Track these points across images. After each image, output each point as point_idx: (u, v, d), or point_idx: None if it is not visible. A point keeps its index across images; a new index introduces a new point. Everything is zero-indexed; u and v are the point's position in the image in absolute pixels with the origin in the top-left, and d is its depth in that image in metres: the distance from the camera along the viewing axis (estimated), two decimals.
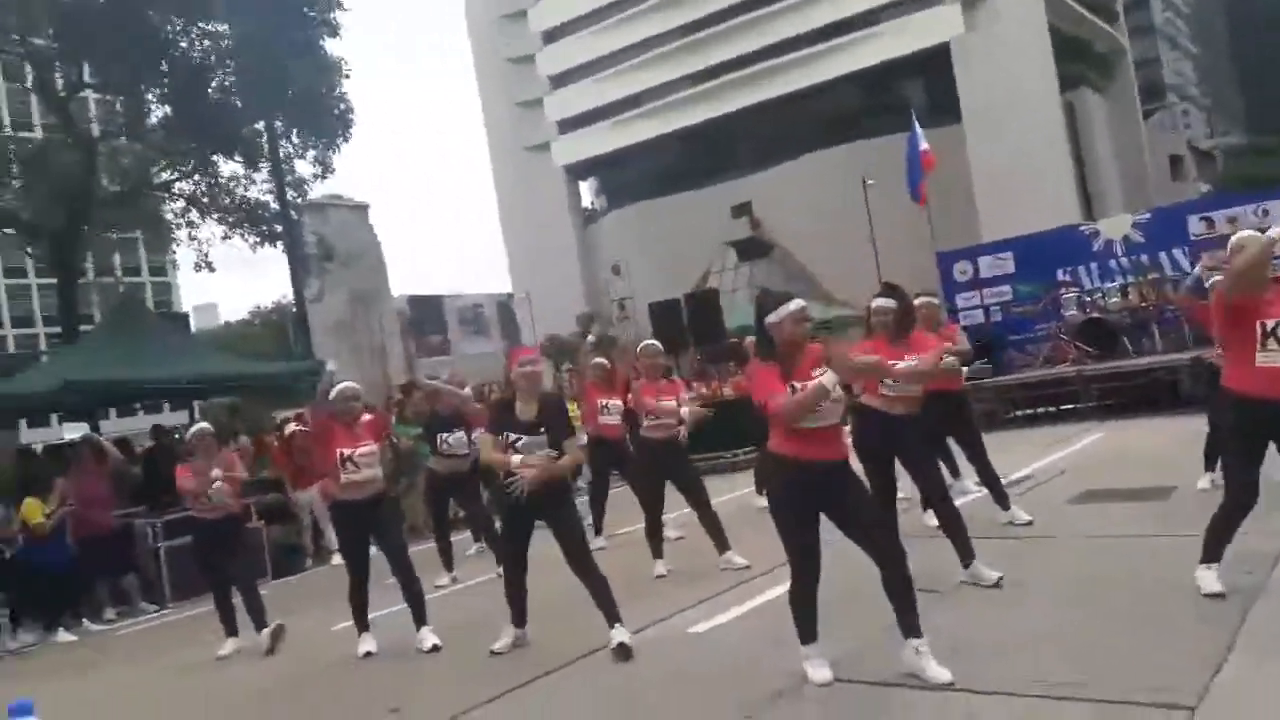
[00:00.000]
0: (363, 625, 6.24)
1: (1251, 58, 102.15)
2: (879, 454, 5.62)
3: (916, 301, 6.55)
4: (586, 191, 67.59)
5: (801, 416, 4.09)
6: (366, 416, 6.41)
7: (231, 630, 7.06)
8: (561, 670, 5.16)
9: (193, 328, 26.18)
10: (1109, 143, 51.53)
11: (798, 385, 4.11)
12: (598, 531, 8.81)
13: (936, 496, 5.83)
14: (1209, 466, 7.30)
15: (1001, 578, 5.40)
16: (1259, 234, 4.52)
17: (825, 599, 4.32)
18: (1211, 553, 4.80)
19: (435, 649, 5.89)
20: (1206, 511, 6.68)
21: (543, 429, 5.33)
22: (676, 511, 7.77)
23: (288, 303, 38.75)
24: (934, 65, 48.87)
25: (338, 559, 10.94)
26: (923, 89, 49.71)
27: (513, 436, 5.34)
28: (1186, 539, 6.08)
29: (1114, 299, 14.75)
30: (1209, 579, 4.75)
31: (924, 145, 18.91)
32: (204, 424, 7.53)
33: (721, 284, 47.77)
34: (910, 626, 4.12)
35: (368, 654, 6.06)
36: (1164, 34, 78.72)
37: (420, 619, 6.10)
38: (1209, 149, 76.56)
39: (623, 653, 5.06)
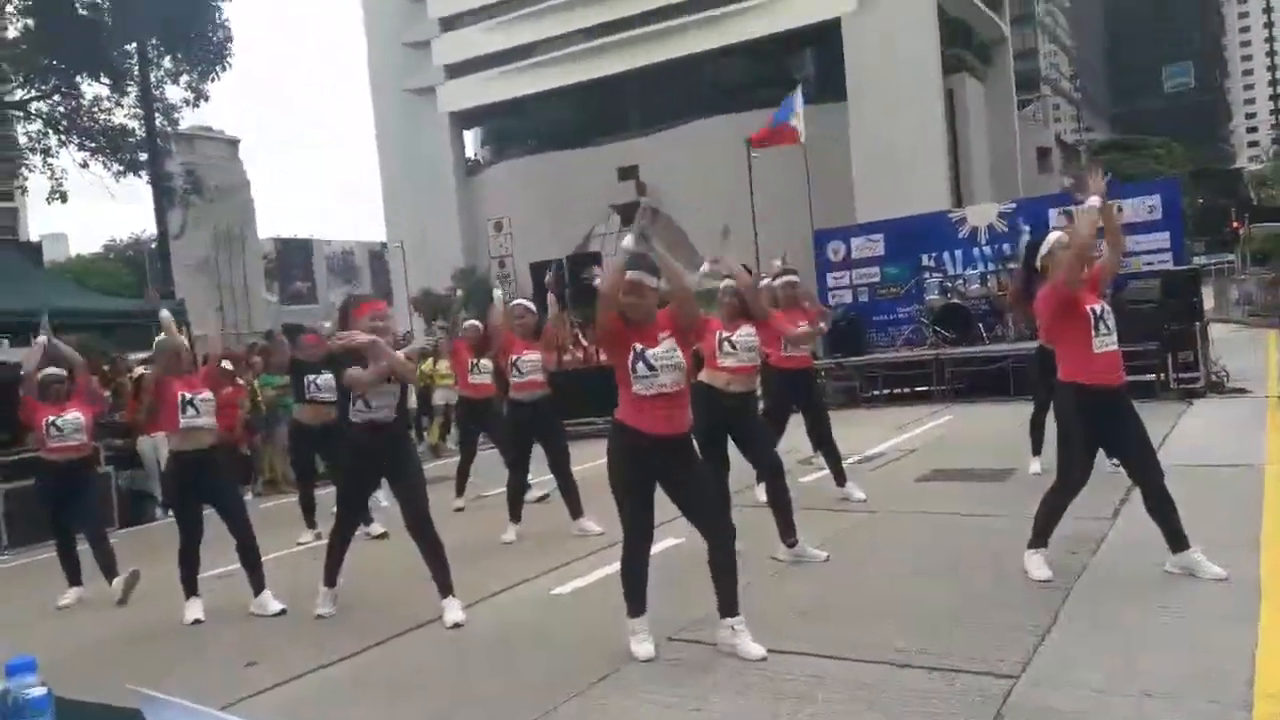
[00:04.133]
0: (190, 590, 5.93)
1: (1123, 57, 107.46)
2: (713, 432, 5.55)
3: (776, 281, 6.79)
4: (471, 141, 66.24)
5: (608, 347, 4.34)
6: (201, 368, 6.27)
7: (74, 579, 6.80)
8: (427, 626, 5.20)
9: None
10: (984, 131, 53.33)
11: (639, 348, 4.21)
12: (459, 493, 8.84)
13: (770, 473, 5.82)
14: (1036, 450, 7.77)
15: (828, 557, 5.62)
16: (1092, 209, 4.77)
17: (686, 564, 4.46)
18: (1040, 537, 5.10)
19: (282, 613, 5.74)
20: (1039, 494, 7.19)
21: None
22: (545, 475, 7.82)
23: (146, 237, 36.87)
24: (823, 40, 49.58)
25: None
26: (811, 63, 50.43)
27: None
28: (1021, 520, 6.53)
29: (974, 285, 15.39)
30: (1037, 563, 5.06)
31: (794, 119, 18.92)
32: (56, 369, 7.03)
33: (604, 247, 47.71)
34: (727, 605, 4.28)
35: (196, 621, 5.78)
36: (1044, 25, 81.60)
37: (258, 584, 5.88)
38: (1075, 143, 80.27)
39: (454, 628, 5.07)
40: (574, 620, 4.84)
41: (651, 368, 4.19)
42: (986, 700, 3.58)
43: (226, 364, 12.07)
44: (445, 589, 5.21)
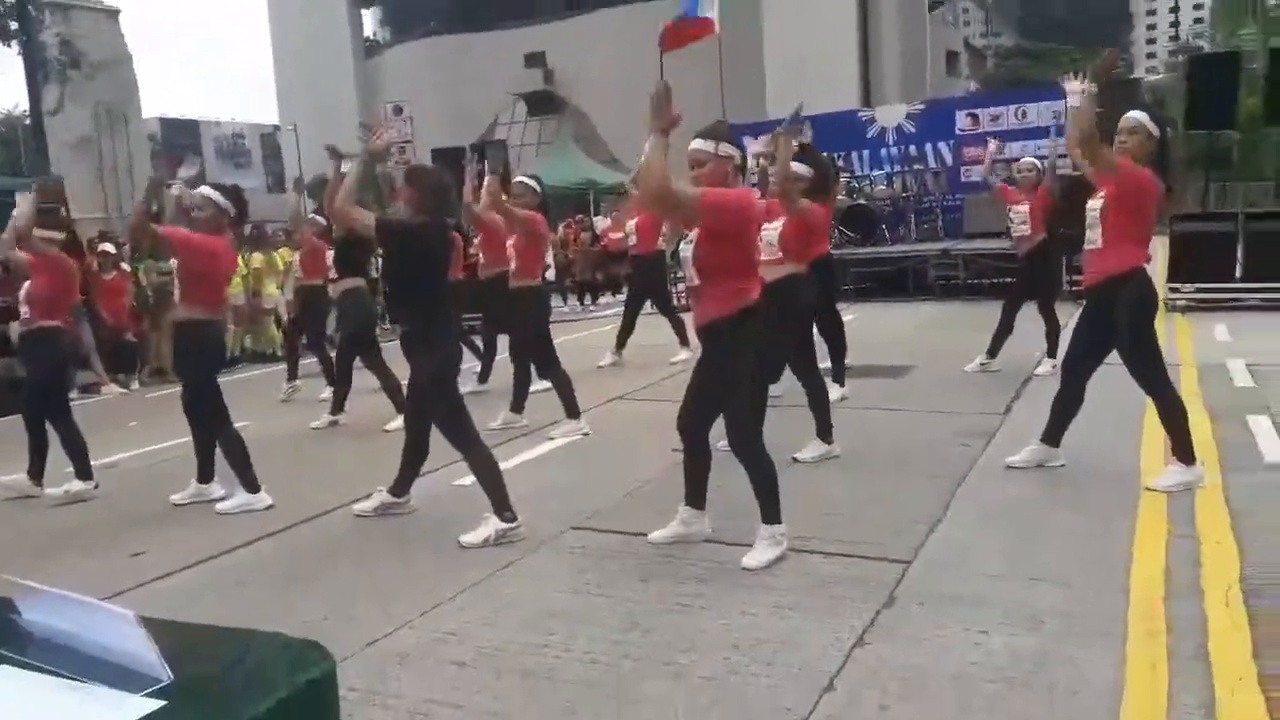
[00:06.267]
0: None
1: None
2: None
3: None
4: (370, 21, 63.27)
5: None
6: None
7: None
8: (326, 515, 5.12)
9: None
10: (895, 32, 53.12)
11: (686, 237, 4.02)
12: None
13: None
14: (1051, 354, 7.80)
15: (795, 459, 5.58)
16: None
17: (590, 456, 4.44)
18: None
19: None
20: (935, 391, 7.40)
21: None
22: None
23: (19, 113, 34.55)
24: None
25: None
26: None
27: None
28: (917, 413, 6.73)
29: (880, 186, 15.50)
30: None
31: (709, 10, 17.99)
32: None
33: (510, 137, 46.55)
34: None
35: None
36: None
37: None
38: (982, 48, 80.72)
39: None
40: (476, 511, 4.80)
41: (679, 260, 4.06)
42: (881, 584, 3.69)
43: (108, 247, 11.59)
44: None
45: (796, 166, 5.64)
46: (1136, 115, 4.70)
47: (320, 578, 4.24)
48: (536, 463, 6.03)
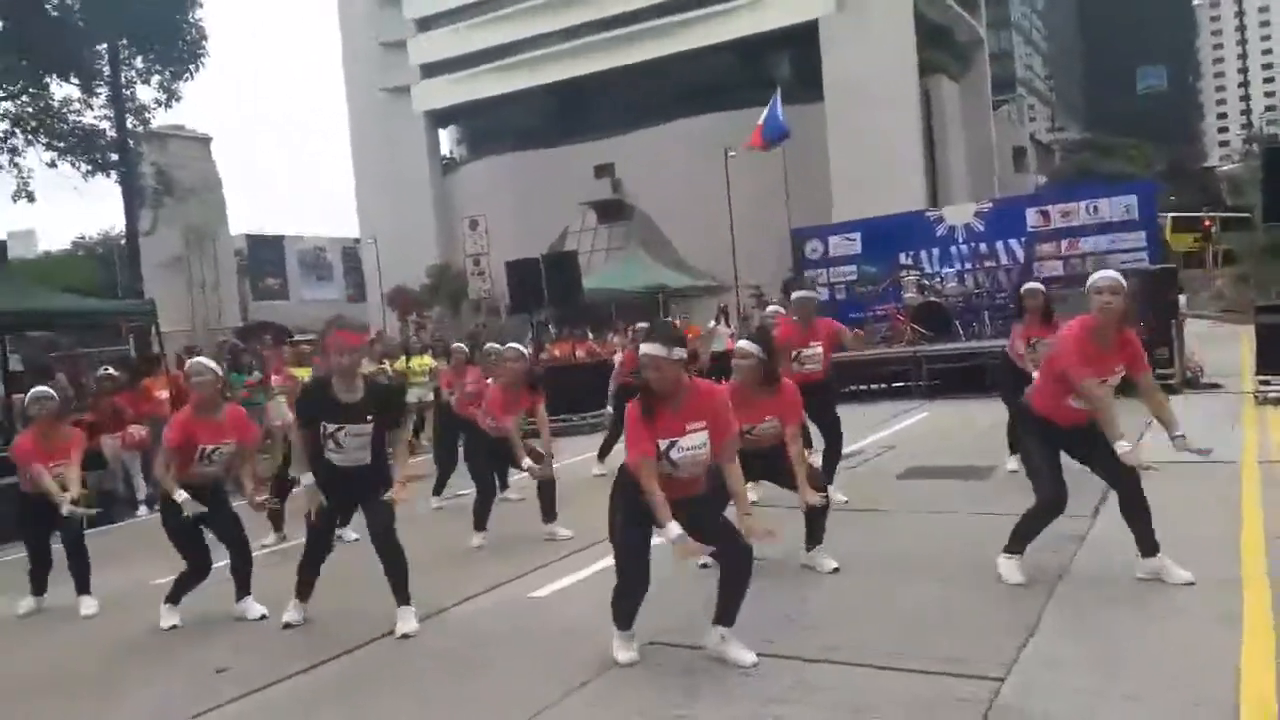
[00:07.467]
0: (175, 599, 5.72)
1: (1097, 59, 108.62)
2: None
3: (793, 295, 6.81)
4: (447, 139, 65.89)
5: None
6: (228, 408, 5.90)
7: (38, 589, 6.55)
8: (377, 641, 5.09)
9: (8, 256, 24.33)
10: (960, 131, 53.48)
11: (662, 445, 3.97)
12: (437, 492, 9.00)
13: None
14: (1013, 450, 7.76)
15: (837, 568, 5.49)
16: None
17: (664, 568, 4.37)
18: (1015, 545, 5.05)
19: (262, 618, 5.59)
20: (1021, 492, 7.16)
21: (369, 416, 5.02)
22: (519, 474, 7.68)
23: (116, 234, 36.46)
24: (802, 41, 49.61)
25: (143, 510, 10.49)
26: (789, 64, 50.45)
27: (332, 427, 4.97)
28: (1002, 517, 6.49)
29: (951, 284, 15.44)
30: (1011, 569, 5.01)
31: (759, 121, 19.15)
32: (43, 389, 6.60)
33: (580, 245, 47.62)
34: (725, 615, 4.14)
35: (172, 627, 5.60)
36: (1019, 27, 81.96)
37: (244, 588, 5.76)
38: (1049, 143, 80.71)
39: (404, 638, 4.92)
40: (552, 625, 4.75)
41: (674, 463, 4.01)
42: (973, 704, 3.52)
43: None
44: (402, 599, 5.04)
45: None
46: (1115, 275, 4.79)
47: (388, 699, 4.20)
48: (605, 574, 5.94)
